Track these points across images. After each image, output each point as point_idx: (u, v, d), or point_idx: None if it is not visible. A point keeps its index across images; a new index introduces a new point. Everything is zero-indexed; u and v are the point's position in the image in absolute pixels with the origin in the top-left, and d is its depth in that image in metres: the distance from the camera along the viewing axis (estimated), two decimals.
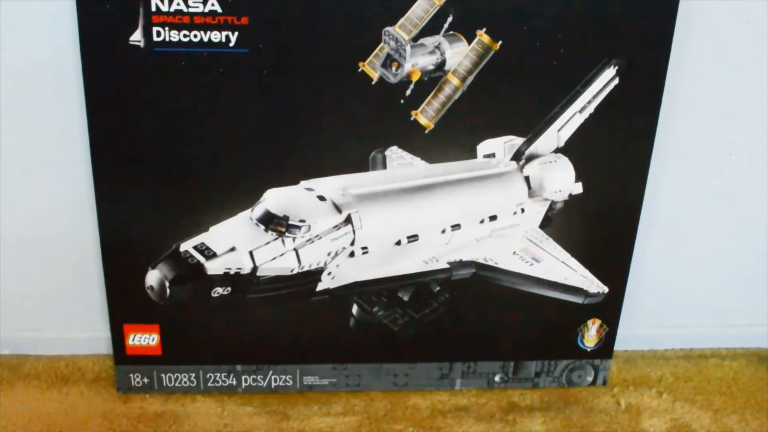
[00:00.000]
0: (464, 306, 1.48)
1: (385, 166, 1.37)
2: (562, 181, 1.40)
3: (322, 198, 1.30)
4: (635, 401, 1.57)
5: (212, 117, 1.31)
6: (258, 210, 1.30)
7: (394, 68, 1.28)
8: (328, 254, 1.31)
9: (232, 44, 1.25)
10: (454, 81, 1.31)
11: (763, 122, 1.48)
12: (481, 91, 1.32)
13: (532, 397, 1.57)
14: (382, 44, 1.27)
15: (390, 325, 1.47)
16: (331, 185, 1.32)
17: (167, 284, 1.24)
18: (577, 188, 1.41)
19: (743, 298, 1.68)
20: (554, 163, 1.39)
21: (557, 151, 1.39)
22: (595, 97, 1.33)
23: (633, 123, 1.37)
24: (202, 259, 1.26)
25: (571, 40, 1.29)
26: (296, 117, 1.32)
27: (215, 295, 1.28)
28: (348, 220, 1.30)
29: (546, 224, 1.47)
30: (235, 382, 1.54)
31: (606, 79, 1.32)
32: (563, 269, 1.45)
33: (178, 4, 1.22)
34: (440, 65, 1.30)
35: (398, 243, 1.35)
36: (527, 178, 1.41)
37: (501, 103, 1.34)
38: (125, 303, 1.44)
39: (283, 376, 1.54)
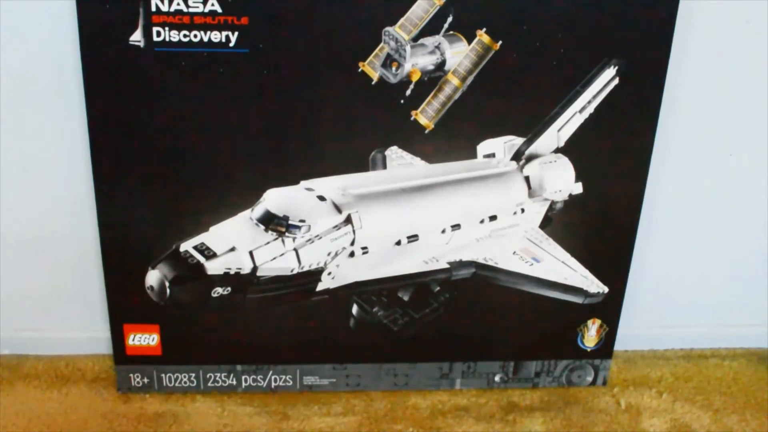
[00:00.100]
0: (464, 306, 1.48)
1: (385, 166, 1.37)
2: (562, 181, 1.40)
3: (322, 198, 1.30)
4: (635, 401, 1.57)
5: (212, 117, 1.31)
6: (258, 210, 1.30)
7: (394, 68, 1.28)
8: (328, 254, 1.31)
9: (232, 44, 1.25)
10: (454, 81, 1.31)
11: (763, 122, 1.48)
12: (481, 91, 1.32)
13: (532, 397, 1.57)
14: (382, 44, 1.27)
15: (390, 325, 1.47)
16: (331, 185, 1.32)
17: (167, 284, 1.24)
18: (577, 188, 1.41)
19: (743, 298, 1.68)
20: (554, 163, 1.39)
21: (557, 151, 1.39)
22: (595, 97, 1.33)
23: (633, 123, 1.37)
24: (202, 259, 1.26)
25: (571, 40, 1.29)
26: (296, 117, 1.32)
27: (215, 295, 1.28)
28: (348, 220, 1.30)
29: (546, 224, 1.47)
30: (235, 382, 1.54)
31: (606, 79, 1.32)
32: (563, 269, 1.45)
33: (178, 4, 1.22)
34: (440, 65, 1.30)
35: (398, 243, 1.35)
36: (527, 178, 1.41)
37: (501, 103, 1.34)
38: (125, 303, 1.44)
39: (283, 376, 1.54)
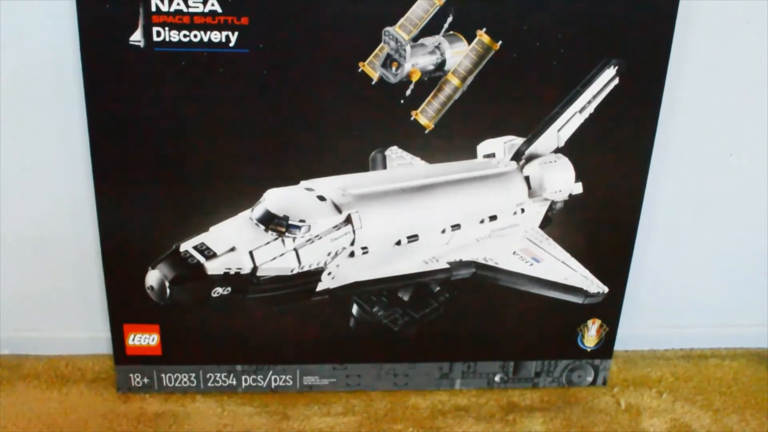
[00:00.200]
0: (464, 306, 1.48)
1: (385, 166, 1.37)
2: (562, 181, 1.40)
3: (322, 198, 1.30)
4: (635, 401, 1.57)
5: (212, 117, 1.31)
6: (258, 210, 1.30)
7: (394, 68, 1.28)
8: (328, 254, 1.31)
9: (232, 44, 1.25)
10: (454, 81, 1.31)
11: (763, 122, 1.48)
12: (481, 91, 1.32)
13: (532, 397, 1.57)
14: (382, 44, 1.27)
15: (390, 325, 1.47)
16: (331, 185, 1.32)
17: (167, 284, 1.24)
18: (577, 188, 1.41)
19: (743, 298, 1.68)
20: (554, 163, 1.39)
21: (557, 151, 1.39)
22: (595, 97, 1.33)
23: (633, 123, 1.37)
24: (202, 259, 1.26)
25: (571, 40, 1.29)
26: (296, 117, 1.32)
27: (215, 295, 1.28)
28: (348, 220, 1.30)
29: (546, 224, 1.47)
30: (235, 382, 1.54)
31: (606, 79, 1.32)
32: (563, 269, 1.45)
33: (178, 4, 1.22)
34: (440, 65, 1.30)
35: (398, 243, 1.35)
36: (527, 178, 1.41)
37: (501, 103, 1.34)
38: (125, 303, 1.44)
39: (283, 376, 1.54)
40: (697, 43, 1.38)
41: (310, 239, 1.28)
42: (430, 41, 1.28)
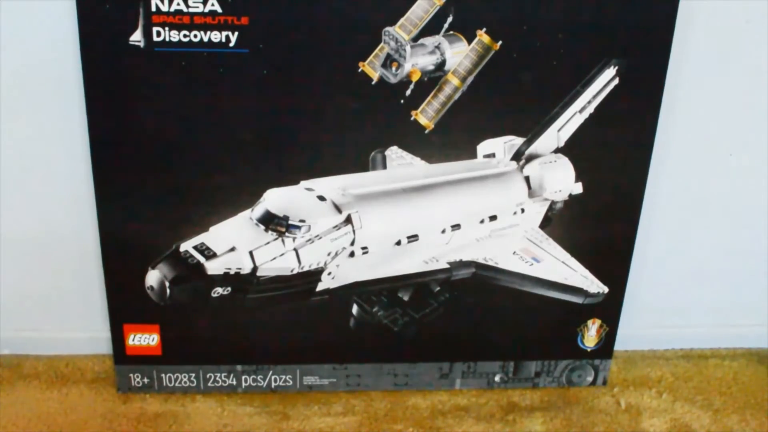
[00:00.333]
0: (464, 306, 1.48)
1: (385, 166, 1.37)
2: (562, 181, 1.40)
3: (322, 198, 1.30)
4: (635, 401, 1.57)
5: (212, 117, 1.31)
6: (258, 210, 1.30)
7: (394, 68, 1.28)
8: (328, 254, 1.31)
9: (232, 44, 1.25)
10: (454, 81, 1.31)
11: (763, 122, 1.48)
12: (481, 91, 1.32)
13: (532, 397, 1.57)
14: (382, 44, 1.27)
15: (390, 325, 1.47)
16: (331, 185, 1.32)
17: (167, 284, 1.24)
18: (577, 188, 1.41)
19: (743, 298, 1.68)
20: (554, 163, 1.39)
21: (557, 151, 1.39)
22: (595, 97, 1.33)
23: (633, 123, 1.37)
24: (202, 259, 1.26)
25: (571, 40, 1.29)
26: (296, 117, 1.32)
27: (215, 295, 1.28)
28: (348, 220, 1.30)
29: (546, 224, 1.47)
30: (235, 382, 1.54)
31: (606, 79, 1.32)
32: (563, 269, 1.45)
33: (178, 4, 1.22)
34: (440, 65, 1.30)
35: (398, 243, 1.35)
36: (527, 178, 1.41)
37: (501, 103, 1.34)
38: (125, 303, 1.44)
39: (283, 376, 1.54)
40: (697, 43, 1.38)
41: (310, 239, 1.28)
42: (430, 41, 1.28)
